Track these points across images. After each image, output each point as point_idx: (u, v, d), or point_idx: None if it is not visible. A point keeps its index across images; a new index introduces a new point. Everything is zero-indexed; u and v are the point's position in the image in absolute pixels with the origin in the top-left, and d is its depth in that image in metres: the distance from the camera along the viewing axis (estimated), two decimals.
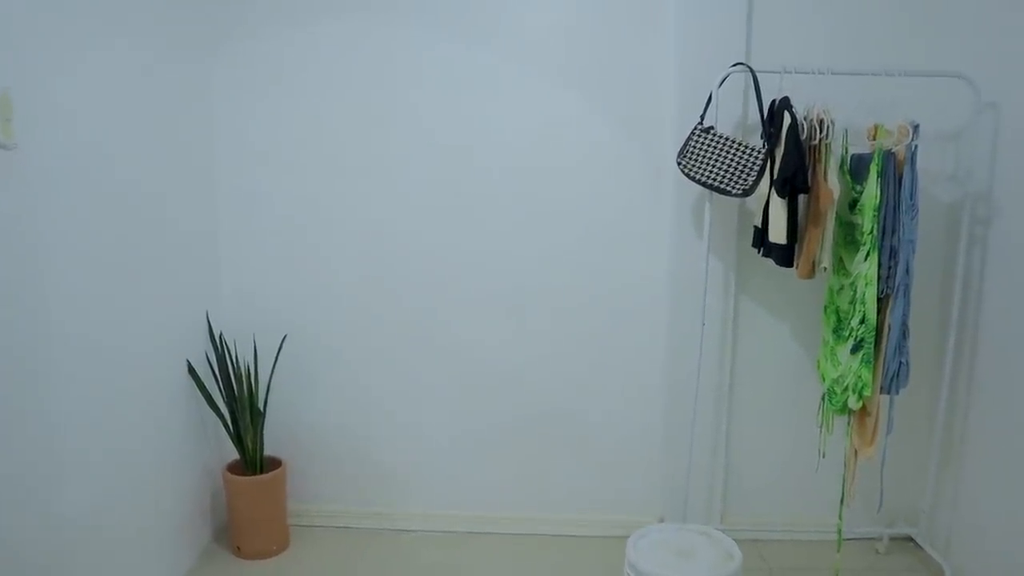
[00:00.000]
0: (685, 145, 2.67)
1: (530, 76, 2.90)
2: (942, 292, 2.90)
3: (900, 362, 2.56)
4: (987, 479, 2.69)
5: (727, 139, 2.59)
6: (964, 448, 2.81)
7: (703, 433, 3.00)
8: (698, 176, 2.62)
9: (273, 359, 3.04)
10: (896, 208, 2.48)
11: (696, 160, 2.63)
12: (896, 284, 2.51)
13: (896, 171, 2.48)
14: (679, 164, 2.67)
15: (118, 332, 2.34)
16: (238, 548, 2.93)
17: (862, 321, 2.52)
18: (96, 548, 2.22)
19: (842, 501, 2.71)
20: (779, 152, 2.55)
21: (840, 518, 2.70)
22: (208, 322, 2.96)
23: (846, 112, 2.59)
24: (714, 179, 2.59)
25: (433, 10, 2.87)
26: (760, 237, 2.69)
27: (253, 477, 2.92)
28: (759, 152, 2.54)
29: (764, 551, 3.03)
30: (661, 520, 3.09)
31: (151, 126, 2.52)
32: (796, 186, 2.49)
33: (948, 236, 2.86)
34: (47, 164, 1.98)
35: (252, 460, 2.94)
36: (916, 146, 2.46)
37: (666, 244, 2.96)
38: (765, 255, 2.68)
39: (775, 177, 2.54)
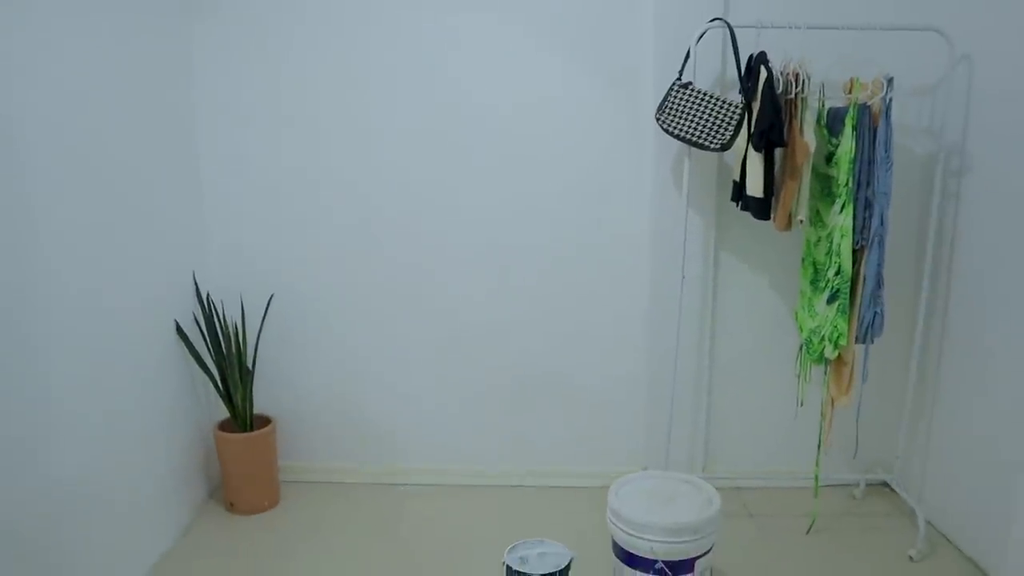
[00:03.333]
0: (664, 100, 2.69)
1: (512, 33, 2.90)
2: (916, 244, 2.95)
3: (875, 312, 2.63)
4: (959, 426, 2.77)
5: (705, 94, 2.62)
6: (937, 396, 2.89)
7: (685, 384, 3.07)
8: (676, 131, 2.65)
9: (260, 318, 3.08)
10: (871, 161, 2.52)
11: (674, 115, 2.65)
12: (871, 235, 2.56)
13: (871, 124, 2.51)
14: (658, 119, 2.70)
15: (106, 294, 2.37)
16: (231, 504, 2.99)
17: (838, 272, 2.57)
18: (91, 509, 2.27)
19: (819, 448, 2.78)
20: (756, 107, 2.58)
21: (817, 465, 2.78)
22: (195, 282, 2.99)
23: (822, 67, 2.63)
24: (692, 134, 2.62)
25: None
26: (739, 191, 2.73)
27: (243, 434, 2.98)
28: (736, 107, 2.57)
29: (745, 498, 3.11)
30: (644, 470, 3.17)
31: (131, 87, 2.52)
32: (772, 140, 2.52)
33: (923, 188, 2.91)
34: (26, 131, 1.99)
35: (242, 418, 2.99)
36: (891, 99, 2.50)
37: (647, 199, 3.00)
38: (743, 209, 2.73)
39: (751, 131, 2.57)
